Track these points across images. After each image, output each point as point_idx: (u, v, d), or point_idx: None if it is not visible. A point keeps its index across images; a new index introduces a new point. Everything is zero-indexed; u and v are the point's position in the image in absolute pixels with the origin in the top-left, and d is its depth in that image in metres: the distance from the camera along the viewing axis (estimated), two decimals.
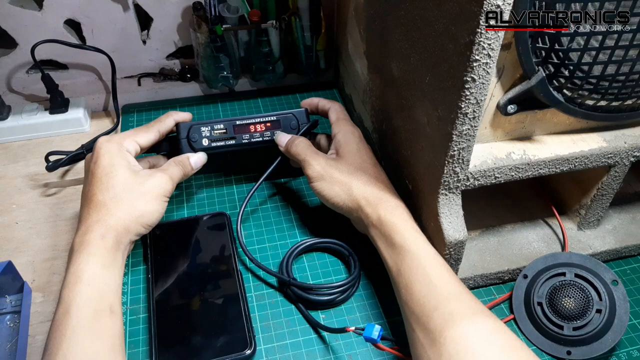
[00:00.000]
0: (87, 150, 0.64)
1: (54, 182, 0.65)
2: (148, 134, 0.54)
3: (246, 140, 0.59)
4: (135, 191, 0.48)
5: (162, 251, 0.55)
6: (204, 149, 0.58)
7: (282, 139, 0.58)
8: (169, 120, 0.57)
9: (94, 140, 0.59)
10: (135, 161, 0.52)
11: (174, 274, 0.53)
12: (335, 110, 0.60)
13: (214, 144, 0.58)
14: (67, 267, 0.44)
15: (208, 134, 0.58)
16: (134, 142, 0.52)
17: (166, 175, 0.51)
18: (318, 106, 0.62)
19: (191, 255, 0.55)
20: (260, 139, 0.60)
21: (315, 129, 0.62)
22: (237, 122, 0.59)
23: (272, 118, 0.60)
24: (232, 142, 0.59)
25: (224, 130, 0.58)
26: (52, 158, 0.63)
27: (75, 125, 0.73)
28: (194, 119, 0.60)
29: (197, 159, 0.56)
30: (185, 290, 0.51)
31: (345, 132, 0.56)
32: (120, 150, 0.50)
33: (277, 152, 0.59)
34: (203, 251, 0.56)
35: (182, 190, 0.64)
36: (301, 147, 0.56)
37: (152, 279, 0.52)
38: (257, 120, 0.60)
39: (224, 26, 0.70)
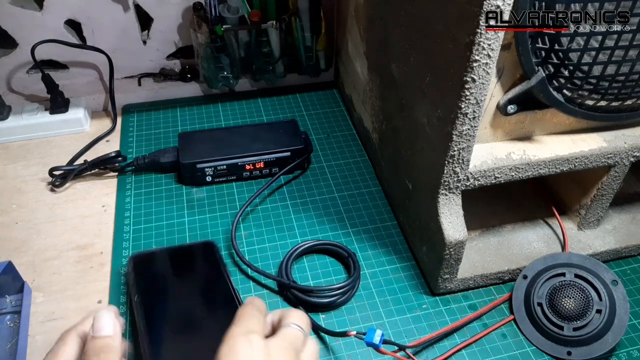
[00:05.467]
0: (90, 165, 0.64)
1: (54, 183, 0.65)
2: None
3: (247, 175, 0.65)
4: None
5: (147, 294, 0.48)
6: (207, 183, 0.64)
7: None
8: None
9: (101, 158, 0.64)
10: None
11: (166, 319, 0.46)
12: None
13: (217, 180, 0.65)
14: None
15: (212, 173, 0.64)
16: None
17: None
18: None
19: (181, 294, 0.49)
20: (259, 173, 0.66)
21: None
22: (239, 163, 0.64)
23: (271, 157, 0.65)
24: (234, 177, 0.65)
25: (226, 170, 0.64)
26: (56, 173, 0.64)
27: (75, 125, 0.73)
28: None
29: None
30: (180, 332, 0.45)
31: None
32: None
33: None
34: (194, 287, 0.50)
35: (183, 189, 0.64)
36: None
37: (144, 327, 0.45)
38: (258, 158, 0.64)
39: (224, 26, 0.70)
